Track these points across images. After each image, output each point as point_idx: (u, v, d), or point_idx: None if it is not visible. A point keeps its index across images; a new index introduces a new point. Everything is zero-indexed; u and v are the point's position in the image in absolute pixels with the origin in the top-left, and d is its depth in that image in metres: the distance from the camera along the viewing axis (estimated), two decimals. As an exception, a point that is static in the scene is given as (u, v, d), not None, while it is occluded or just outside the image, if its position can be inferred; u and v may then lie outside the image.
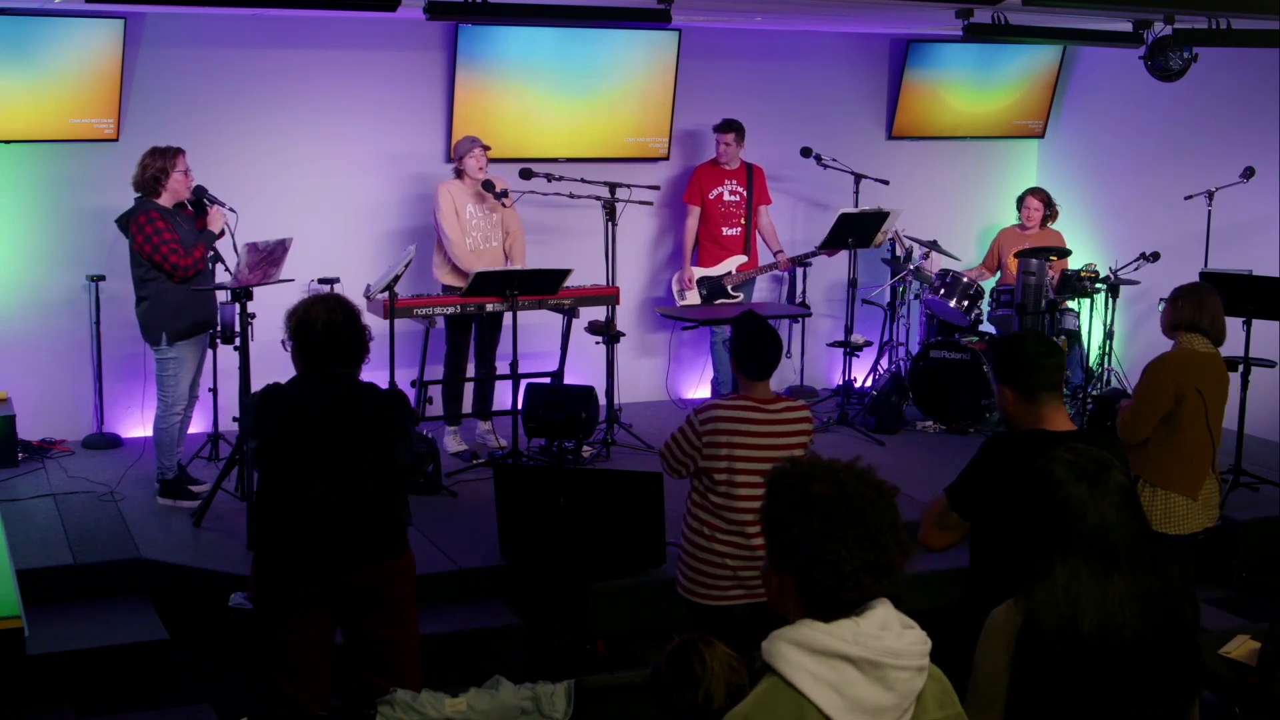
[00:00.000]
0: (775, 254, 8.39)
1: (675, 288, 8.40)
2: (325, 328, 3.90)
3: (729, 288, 8.29)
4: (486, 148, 7.24)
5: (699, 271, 8.31)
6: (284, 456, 3.97)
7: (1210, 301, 5.08)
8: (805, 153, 8.56)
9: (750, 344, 4.51)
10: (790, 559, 2.24)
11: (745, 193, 8.32)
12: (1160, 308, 5.32)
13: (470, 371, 7.61)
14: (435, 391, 7.38)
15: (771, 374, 4.54)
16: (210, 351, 6.65)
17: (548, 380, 7.34)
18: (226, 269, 6.37)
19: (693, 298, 8.26)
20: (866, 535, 2.20)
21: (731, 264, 8.32)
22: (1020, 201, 8.93)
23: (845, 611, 2.22)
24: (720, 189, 8.29)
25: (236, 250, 6.12)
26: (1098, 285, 8.14)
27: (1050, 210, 8.85)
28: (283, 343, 4.12)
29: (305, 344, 3.94)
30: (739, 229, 8.34)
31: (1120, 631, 2.65)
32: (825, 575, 2.20)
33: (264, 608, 4.05)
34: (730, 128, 8.18)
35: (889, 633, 2.21)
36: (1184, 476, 5.02)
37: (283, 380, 4.12)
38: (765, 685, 2.21)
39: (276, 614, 3.99)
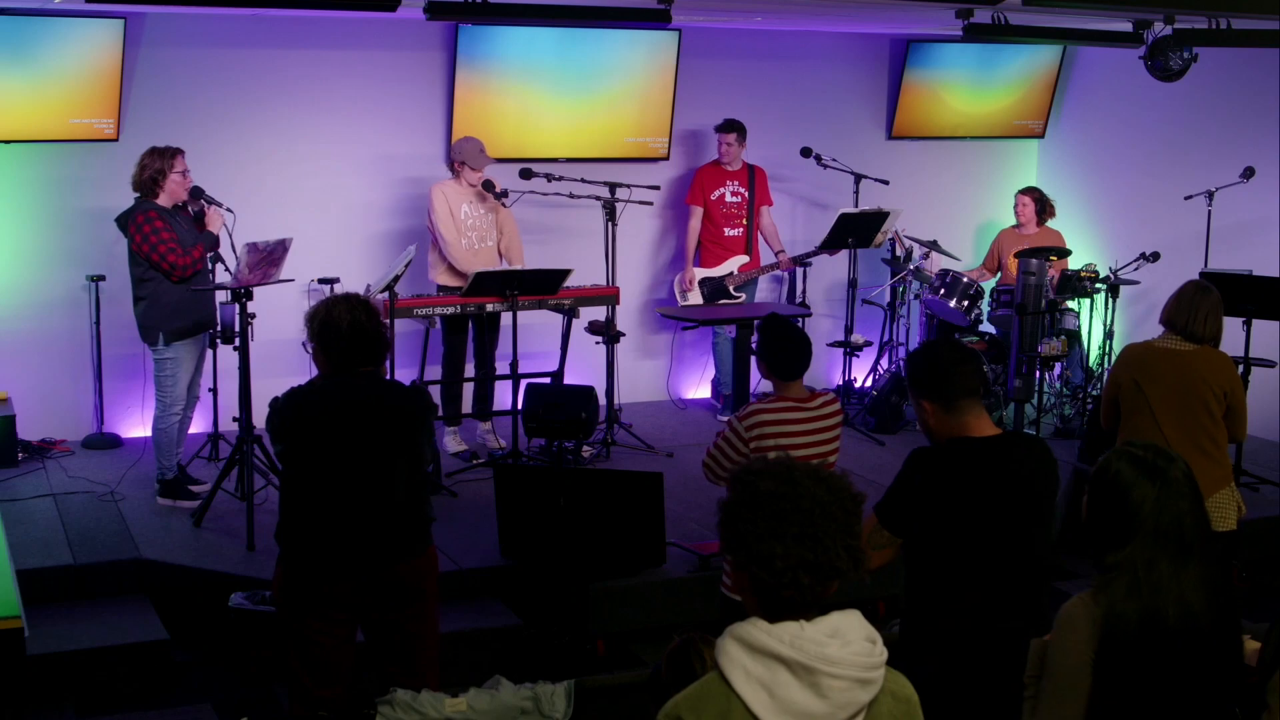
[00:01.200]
0: (777, 254, 8.39)
1: (677, 288, 8.40)
2: (351, 328, 3.93)
3: (731, 288, 8.29)
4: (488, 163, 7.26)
5: (701, 272, 8.31)
6: (313, 457, 3.99)
7: (1191, 300, 5.05)
8: (805, 153, 8.56)
9: (779, 347, 4.50)
10: (736, 554, 2.27)
11: (747, 194, 8.32)
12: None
13: (470, 371, 7.61)
14: (434, 392, 7.37)
15: (804, 372, 4.53)
16: (210, 351, 6.66)
17: (548, 380, 7.34)
18: (226, 269, 6.38)
19: (694, 298, 8.26)
20: (808, 535, 2.20)
21: (733, 264, 8.32)
22: (1014, 202, 8.93)
23: (791, 612, 2.22)
24: (722, 190, 8.30)
25: (235, 250, 6.12)
26: (1098, 285, 8.14)
27: (1044, 208, 8.84)
28: (304, 345, 4.13)
29: (330, 345, 3.97)
30: (741, 229, 8.34)
31: (1199, 619, 2.75)
32: (761, 571, 2.21)
33: (289, 608, 4.06)
34: (732, 128, 8.18)
35: (835, 640, 2.20)
36: None
37: (284, 380, 4.14)
38: (707, 677, 2.25)
39: (304, 613, 4.00)
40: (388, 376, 6.54)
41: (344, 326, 3.93)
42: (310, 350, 4.09)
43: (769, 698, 2.16)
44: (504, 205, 7.32)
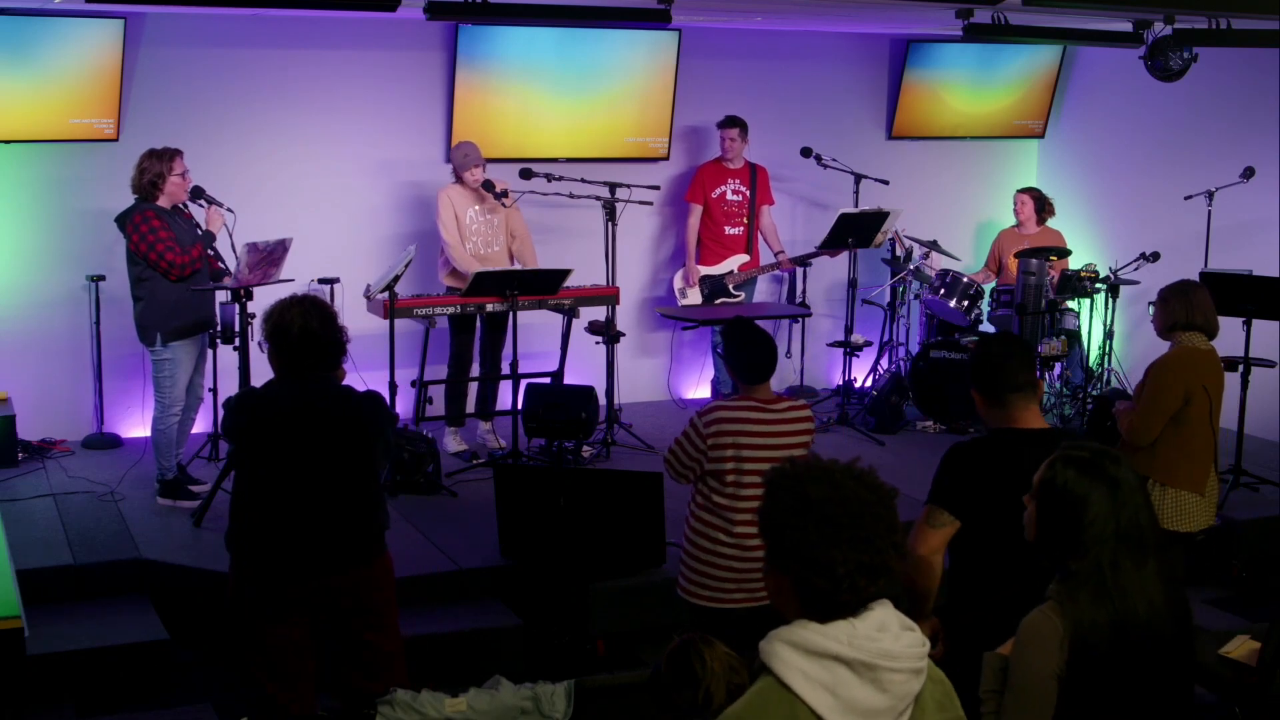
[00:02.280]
0: (776, 254, 8.39)
1: (678, 285, 8.38)
2: (301, 334, 3.89)
3: (731, 287, 8.29)
4: (482, 163, 7.24)
5: (701, 269, 8.30)
6: (262, 460, 3.96)
7: (1198, 297, 5.09)
8: (805, 153, 8.56)
9: (742, 351, 4.50)
10: (786, 561, 2.24)
11: (748, 192, 8.31)
12: (1150, 312, 5.32)
13: (474, 371, 7.60)
14: (435, 391, 7.38)
15: (770, 376, 4.53)
16: (210, 351, 6.66)
17: (548, 380, 7.34)
18: (227, 271, 6.38)
19: (694, 296, 8.26)
20: (861, 538, 2.20)
21: (734, 263, 8.32)
22: (1013, 202, 8.93)
23: (842, 613, 2.22)
24: (723, 188, 8.29)
25: (235, 250, 6.12)
26: (1098, 285, 8.14)
27: (1043, 207, 8.83)
28: (259, 344, 4.11)
29: (280, 349, 3.94)
30: (741, 228, 8.33)
31: (1162, 615, 2.75)
32: (819, 578, 2.20)
33: (242, 611, 4.04)
34: (734, 123, 8.17)
35: (886, 634, 2.21)
36: (1192, 474, 5.03)
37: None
38: (760, 685, 2.22)
39: (258, 617, 3.98)
40: (389, 377, 6.63)
41: (294, 331, 3.89)
42: (265, 350, 4.06)
43: (833, 699, 2.16)
44: (503, 205, 7.32)
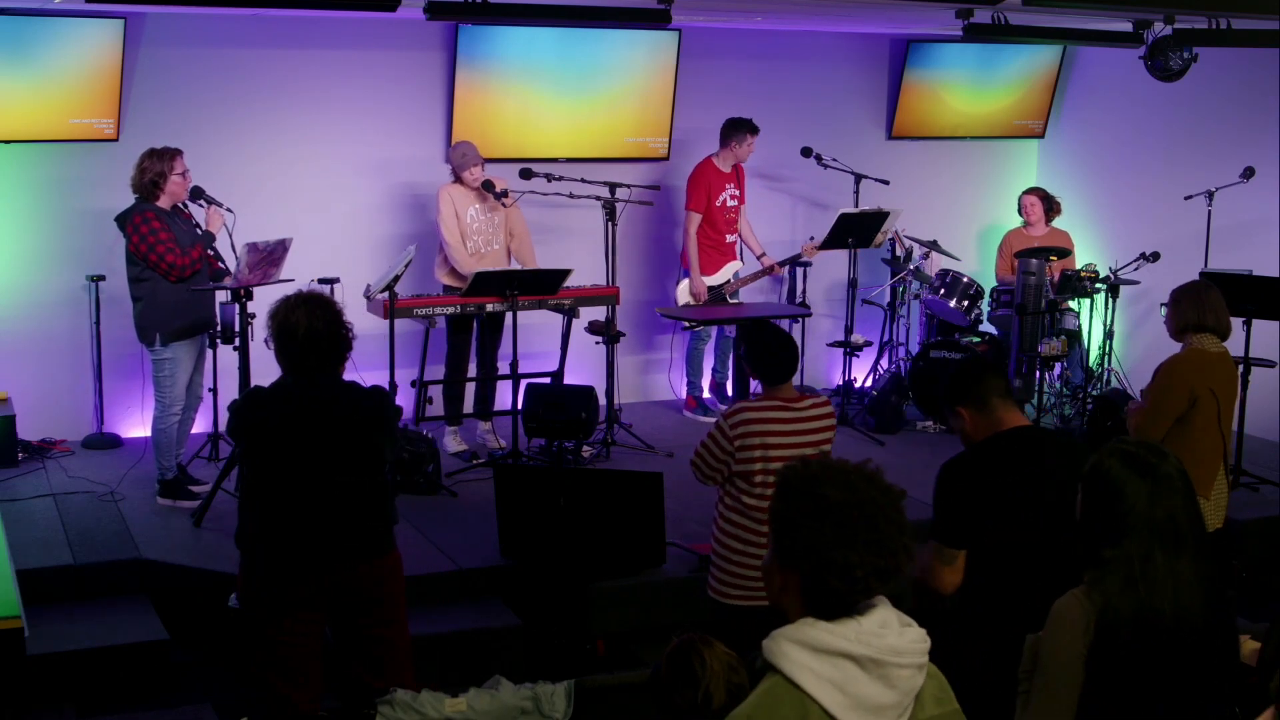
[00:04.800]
0: (759, 257, 8.27)
1: (683, 300, 8.21)
2: (306, 335, 3.92)
3: (728, 296, 8.21)
4: (481, 163, 7.23)
5: (706, 280, 8.18)
6: (270, 458, 3.98)
7: (1211, 298, 5.06)
8: (805, 153, 8.55)
9: (764, 353, 4.54)
10: (799, 560, 2.24)
11: (740, 196, 8.26)
12: (1163, 313, 5.29)
13: (471, 371, 7.60)
14: (435, 391, 7.38)
15: (792, 375, 4.55)
16: (210, 351, 6.66)
17: (548, 380, 7.34)
18: (227, 270, 6.38)
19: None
20: (876, 540, 2.20)
21: (729, 271, 8.25)
22: (1019, 205, 8.91)
23: (848, 611, 2.23)
24: (724, 194, 8.21)
25: (235, 250, 6.12)
26: (1098, 285, 8.14)
27: (1051, 206, 8.82)
28: (265, 341, 4.14)
29: (286, 349, 3.97)
30: (736, 235, 8.25)
31: (1193, 613, 2.76)
32: (835, 579, 2.20)
33: (254, 608, 4.05)
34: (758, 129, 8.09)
35: (890, 631, 2.22)
36: (1197, 477, 4.98)
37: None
38: (768, 684, 2.21)
39: (268, 614, 4.00)
40: (389, 376, 6.63)
41: (300, 332, 3.91)
42: (271, 348, 4.08)
43: (843, 696, 2.16)
44: (503, 205, 7.32)
